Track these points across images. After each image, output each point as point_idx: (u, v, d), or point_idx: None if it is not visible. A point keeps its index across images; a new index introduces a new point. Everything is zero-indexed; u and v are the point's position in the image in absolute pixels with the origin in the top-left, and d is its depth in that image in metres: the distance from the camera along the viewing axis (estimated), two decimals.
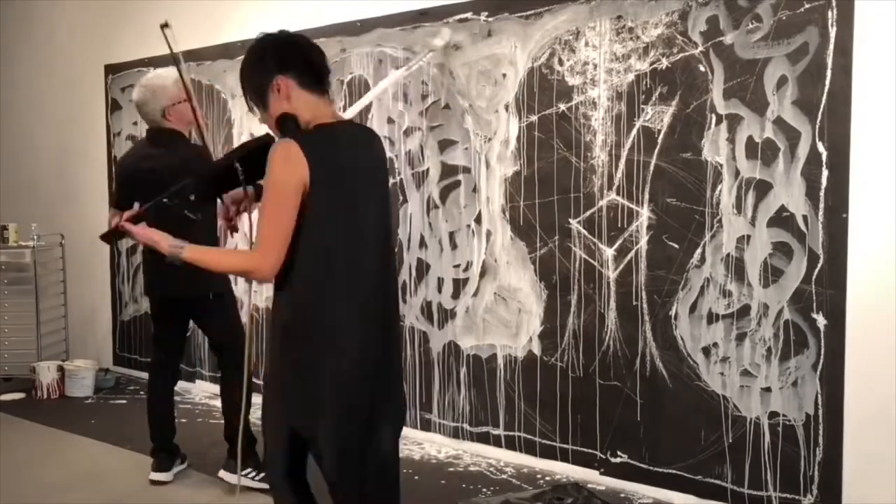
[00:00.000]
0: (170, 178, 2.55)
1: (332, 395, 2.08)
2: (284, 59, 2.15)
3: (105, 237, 2.40)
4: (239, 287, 4.48)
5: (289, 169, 2.00)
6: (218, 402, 4.88)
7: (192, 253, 2.13)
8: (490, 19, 3.74)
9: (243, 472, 3.43)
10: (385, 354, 2.18)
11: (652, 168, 3.33)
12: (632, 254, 3.39)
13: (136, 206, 2.42)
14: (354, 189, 2.12)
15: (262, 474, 3.39)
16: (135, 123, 5.45)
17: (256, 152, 2.13)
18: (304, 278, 2.07)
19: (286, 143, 2.02)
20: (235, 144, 4.84)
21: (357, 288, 2.12)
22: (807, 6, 2.94)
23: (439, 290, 4.01)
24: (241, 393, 3.11)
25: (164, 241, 2.17)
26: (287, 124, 2.11)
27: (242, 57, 2.20)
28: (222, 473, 3.57)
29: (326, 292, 2.08)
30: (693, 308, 3.26)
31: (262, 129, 2.24)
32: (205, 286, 3.44)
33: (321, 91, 2.18)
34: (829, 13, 2.89)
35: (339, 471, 2.12)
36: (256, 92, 2.17)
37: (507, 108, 3.71)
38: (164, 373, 3.70)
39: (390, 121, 4.14)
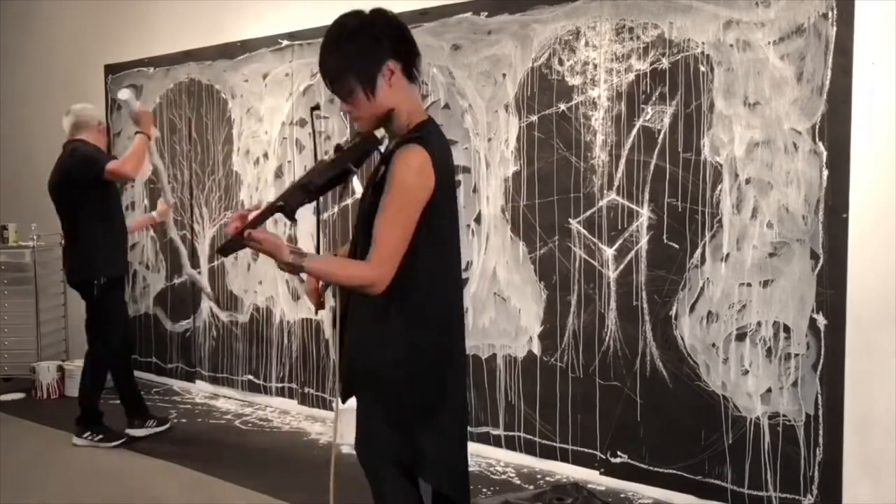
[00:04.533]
0: None
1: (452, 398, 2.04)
2: (397, 41, 1.95)
3: (226, 250, 2.03)
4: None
5: (422, 181, 1.88)
6: (218, 402, 4.90)
7: (312, 262, 1.95)
8: (490, 19, 3.74)
9: (85, 435, 4.20)
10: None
11: (652, 168, 3.33)
12: (632, 254, 3.39)
13: (246, 209, 2.14)
14: (455, 197, 2.08)
15: (99, 435, 4.20)
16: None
17: (367, 154, 2.00)
18: (426, 291, 1.96)
19: (422, 152, 1.89)
20: (234, 144, 4.85)
21: (459, 302, 2.12)
22: (807, 6, 2.94)
23: None
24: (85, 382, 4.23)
25: (285, 252, 1.94)
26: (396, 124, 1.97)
27: (335, 33, 1.94)
28: (76, 440, 4.21)
29: (448, 306, 2.03)
30: (693, 308, 3.26)
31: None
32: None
33: (416, 81, 2.02)
34: (829, 13, 2.90)
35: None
36: (362, 75, 1.93)
37: (507, 108, 3.71)
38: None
39: None
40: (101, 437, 4.20)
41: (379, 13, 1.99)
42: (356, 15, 1.97)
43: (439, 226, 1.96)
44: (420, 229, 1.91)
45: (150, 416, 4.38)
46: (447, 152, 2.05)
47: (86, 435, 4.19)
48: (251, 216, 2.01)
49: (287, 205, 2.01)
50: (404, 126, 1.99)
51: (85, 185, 4.01)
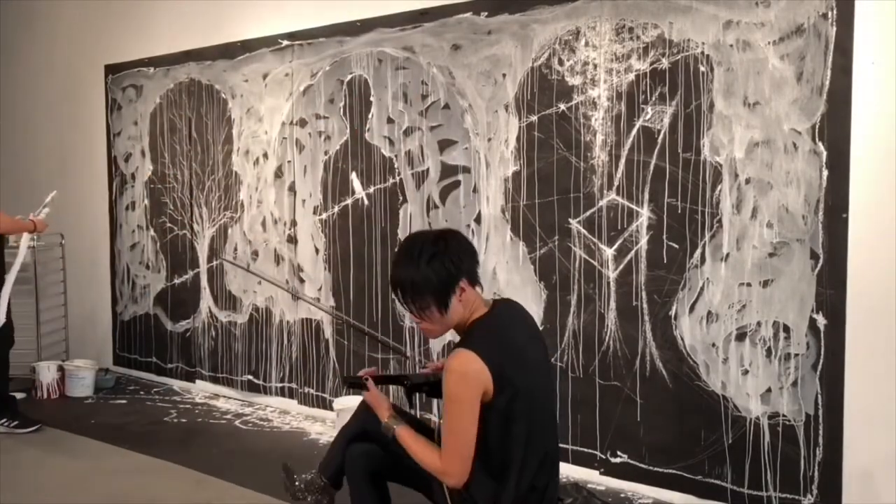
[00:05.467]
0: None
1: None
2: (470, 261, 2.21)
3: (351, 382, 2.53)
4: None
5: (463, 386, 2.10)
6: (218, 402, 4.91)
7: (402, 432, 2.26)
8: (490, 19, 3.74)
9: (2, 422, 4.35)
10: None
11: (652, 168, 3.33)
12: (632, 254, 3.39)
13: (373, 369, 2.65)
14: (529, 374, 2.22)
15: (14, 422, 4.34)
16: (135, 123, 5.46)
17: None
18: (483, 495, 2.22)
19: (462, 356, 2.11)
20: (234, 144, 4.85)
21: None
22: (807, 6, 2.94)
23: None
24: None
25: (387, 411, 2.31)
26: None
27: (414, 253, 2.18)
28: None
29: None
30: (693, 308, 3.26)
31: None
32: None
33: (476, 285, 2.25)
34: (829, 13, 2.90)
35: None
36: (439, 296, 2.17)
37: (507, 108, 3.71)
38: None
39: (390, 121, 4.14)
40: (16, 423, 4.36)
41: (451, 235, 2.22)
42: (433, 240, 2.21)
43: (504, 419, 2.15)
44: (485, 424, 2.12)
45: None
46: (513, 332, 2.24)
47: (2, 422, 4.35)
48: (379, 373, 2.51)
49: (410, 381, 2.50)
50: (466, 322, 2.23)
51: None
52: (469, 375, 2.08)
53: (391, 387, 3.65)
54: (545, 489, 2.28)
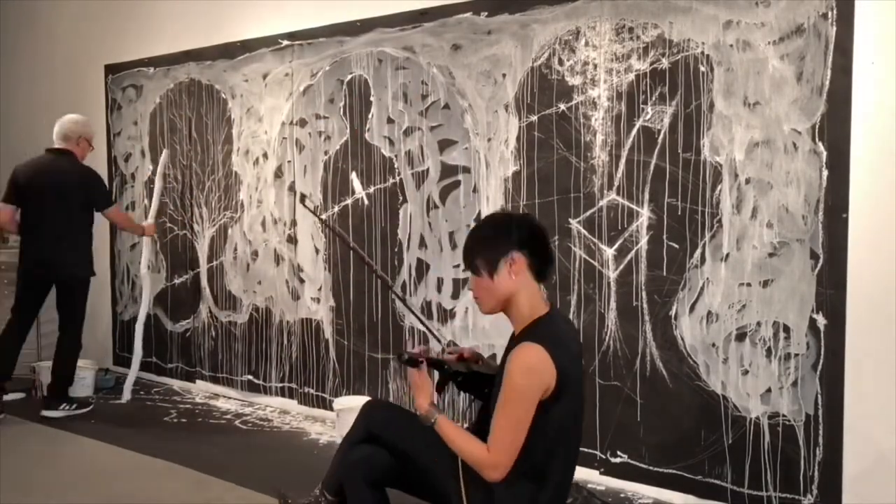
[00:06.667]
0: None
1: None
2: (527, 237, 2.21)
3: (403, 358, 2.41)
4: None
5: (533, 381, 2.08)
6: (218, 402, 4.91)
7: (444, 422, 2.20)
8: (490, 19, 3.74)
9: (62, 407, 4.59)
10: None
11: (652, 168, 3.33)
12: (632, 254, 3.39)
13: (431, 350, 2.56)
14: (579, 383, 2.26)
15: (74, 404, 4.62)
16: (135, 123, 5.46)
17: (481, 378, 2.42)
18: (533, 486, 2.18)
19: (536, 350, 2.09)
20: (234, 144, 4.85)
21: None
22: (807, 6, 2.94)
23: (439, 290, 4.01)
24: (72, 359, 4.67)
25: (428, 398, 2.24)
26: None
27: (481, 221, 2.38)
28: (45, 412, 4.55)
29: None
30: (693, 308, 3.26)
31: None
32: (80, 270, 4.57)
33: (541, 281, 2.26)
34: (829, 13, 2.90)
35: None
36: (487, 256, 2.20)
37: (507, 108, 3.71)
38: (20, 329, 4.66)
39: (390, 121, 4.14)
40: (75, 405, 4.63)
41: (522, 215, 2.38)
42: (501, 212, 2.45)
43: (556, 423, 2.13)
44: (535, 424, 2.09)
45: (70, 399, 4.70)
46: (571, 341, 2.25)
47: (62, 406, 4.60)
48: (431, 355, 2.40)
49: (449, 368, 2.42)
50: (525, 317, 2.20)
51: (93, 199, 4.60)
52: (537, 369, 2.06)
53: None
54: (564, 499, 2.30)
